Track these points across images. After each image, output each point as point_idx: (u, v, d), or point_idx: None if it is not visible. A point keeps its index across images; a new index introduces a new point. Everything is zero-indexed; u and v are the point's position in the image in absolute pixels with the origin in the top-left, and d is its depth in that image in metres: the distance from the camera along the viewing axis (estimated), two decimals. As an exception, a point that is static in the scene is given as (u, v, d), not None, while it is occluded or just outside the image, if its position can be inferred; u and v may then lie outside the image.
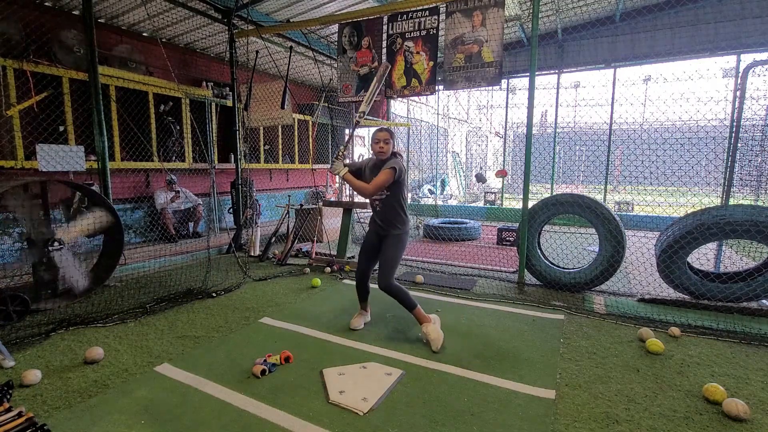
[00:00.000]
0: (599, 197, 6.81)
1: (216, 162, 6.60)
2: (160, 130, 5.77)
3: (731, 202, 4.02)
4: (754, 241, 3.43)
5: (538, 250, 4.29)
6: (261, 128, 7.35)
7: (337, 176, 2.89)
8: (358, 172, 2.97)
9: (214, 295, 3.86)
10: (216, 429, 1.92)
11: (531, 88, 3.98)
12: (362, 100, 2.97)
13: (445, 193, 14.17)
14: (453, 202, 12.61)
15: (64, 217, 4.60)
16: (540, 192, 10.40)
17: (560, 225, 7.68)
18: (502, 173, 8.04)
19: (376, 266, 3.05)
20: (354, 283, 4.31)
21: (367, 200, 2.94)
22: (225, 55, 6.24)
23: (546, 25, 8.21)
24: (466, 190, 15.62)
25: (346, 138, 2.86)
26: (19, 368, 2.43)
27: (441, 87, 4.64)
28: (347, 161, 2.93)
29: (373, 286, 3.17)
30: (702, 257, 4.37)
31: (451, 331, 3.01)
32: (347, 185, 3.56)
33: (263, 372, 2.38)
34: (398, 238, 2.92)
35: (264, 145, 7.56)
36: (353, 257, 5.18)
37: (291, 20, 6.28)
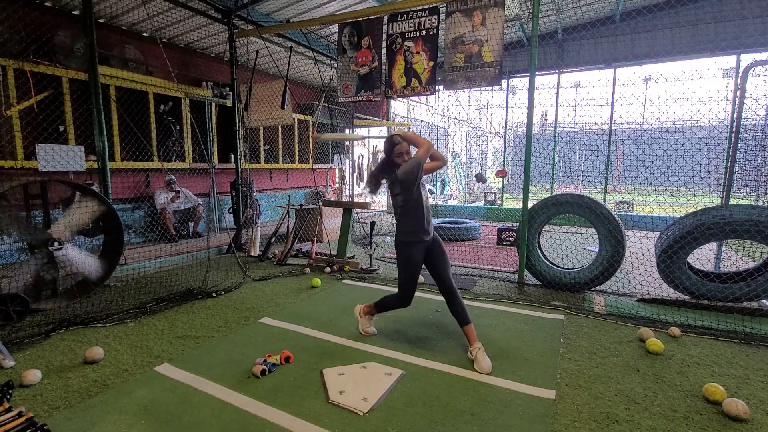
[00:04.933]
0: (599, 197, 6.81)
1: (216, 162, 6.60)
2: (160, 130, 5.77)
3: (731, 202, 4.01)
4: (754, 241, 3.43)
5: (538, 250, 4.28)
6: (261, 128, 7.34)
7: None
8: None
9: (214, 295, 3.86)
10: (216, 429, 1.92)
11: (531, 88, 3.99)
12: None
13: (445, 193, 14.17)
14: (453, 202, 12.61)
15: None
16: (540, 192, 10.39)
17: (560, 225, 7.68)
18: (502, 173, 8.06)
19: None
20: (354, 283, 4.33)
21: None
22: (225, 55, 6.24)
23: (546, 25, 8.20)
24: (466, 190, 15.62)
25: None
26: (19, 368, 2.43)
27: (441, 87, 4.64)
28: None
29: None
30: (702, 257, 4.38)
31: (451, 332, 3.02)
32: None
33: (263, 372, 2.38)
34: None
35: (264, 145, 7.56)
36: (353, 257, 5.18)
37: (291, 20, 6.27)
